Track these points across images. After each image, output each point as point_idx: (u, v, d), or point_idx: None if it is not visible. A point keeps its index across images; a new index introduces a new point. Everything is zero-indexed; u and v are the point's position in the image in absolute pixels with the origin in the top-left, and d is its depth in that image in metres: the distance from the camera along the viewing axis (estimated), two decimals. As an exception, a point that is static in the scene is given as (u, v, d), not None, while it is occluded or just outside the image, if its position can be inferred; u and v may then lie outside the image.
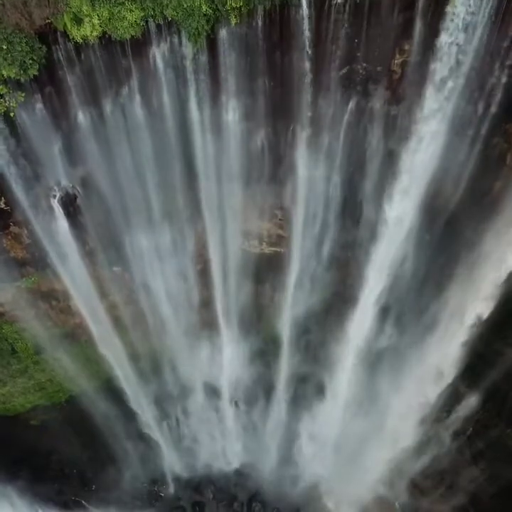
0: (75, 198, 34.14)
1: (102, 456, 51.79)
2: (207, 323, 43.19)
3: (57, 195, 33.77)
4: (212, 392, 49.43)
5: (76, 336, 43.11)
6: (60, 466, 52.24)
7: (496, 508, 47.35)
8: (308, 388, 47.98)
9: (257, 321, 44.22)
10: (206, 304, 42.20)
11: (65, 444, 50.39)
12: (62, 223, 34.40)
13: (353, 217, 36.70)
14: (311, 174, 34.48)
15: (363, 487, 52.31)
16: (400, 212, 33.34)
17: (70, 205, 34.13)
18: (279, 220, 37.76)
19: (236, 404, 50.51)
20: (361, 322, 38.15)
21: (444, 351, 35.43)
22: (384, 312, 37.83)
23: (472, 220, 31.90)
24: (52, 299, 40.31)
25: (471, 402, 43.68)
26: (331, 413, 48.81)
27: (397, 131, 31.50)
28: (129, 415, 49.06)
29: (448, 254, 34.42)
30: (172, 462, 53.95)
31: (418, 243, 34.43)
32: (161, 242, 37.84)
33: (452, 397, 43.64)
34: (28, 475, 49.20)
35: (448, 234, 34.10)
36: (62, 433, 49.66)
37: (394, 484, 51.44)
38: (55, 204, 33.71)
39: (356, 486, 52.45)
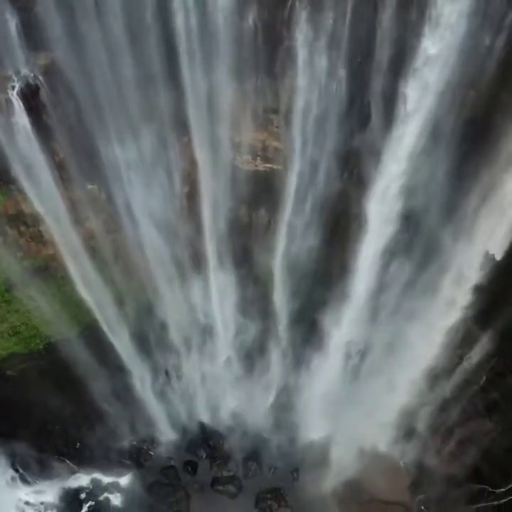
0: (38, 89, 26.86)
1: (86, 411, 44.98)
2: (196, 255, 35.91)
3: (16, 86, 26.96)
4: (204, 338, 42.16)
5: (51, 271, 36.31)
6: (41, 422, 45.12)
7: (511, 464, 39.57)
8: (307, 334, 40.78)
9: (252, 252, 36.98)
10: (195, 232, 34.95)
11: (46, 397, 43.31)
12: (23, 121, 27.66)
13: (360, 121, 29.39)
14: (313, 65, 27.41)
15: (366, 445, 45.05)
16: (417, 113, 25.95)
17: (31, 98, 26.94)
18: (276, 127, 30.80)
19: (229, 359, 43.11)
20: (373, 245, 30.91)
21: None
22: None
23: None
24: (21, 224, 33.59)
25: (486, 346, 36.39)
26: (332, 362, 41.63)
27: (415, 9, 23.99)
28: (114, 366, 42.03)
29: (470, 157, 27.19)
30: (162, 419, 46.76)
31: (439, 143, 27.08)
32: (142, 153, 30.73)
33: (464, 341, 36.27)
34: (6, 431, 43.11)
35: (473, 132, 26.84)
36: (42, 385, 42.69)
37: (399, 442, 44.29)
38: (14, 96, 26.50)
39: (359, 444, 45.21)
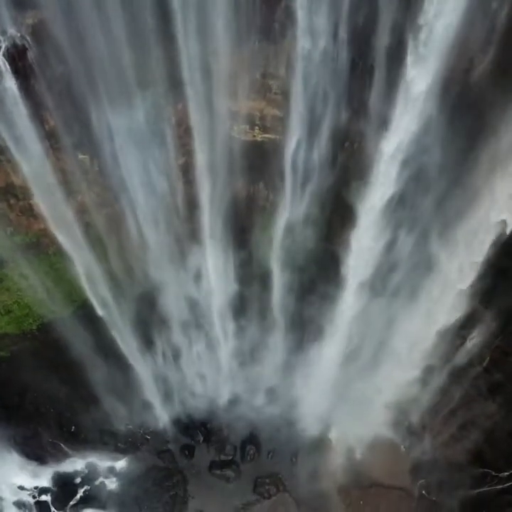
0: (25, 50, 25.19)
1: (81, 393, 43.62)
2: (193, 230, 34.36)
3: (2, 46, 25.11)
4: (200, 316, 40.64)
5: (42, 247, 34.77)
6: (35, 405, 43.97)
7: (515, 448, 38.68)
8: (308, 313, 39.17)
9: (250, 227, 35.40)
10: (191, 207, 33.40)
11: (40, 379, 42.10)
12: (10, 85, 25.75)
13: (362, 86, 27.76)
14: (312, 26, 25.66)
15: (366, 429, 43.87)
16: (422, 77, 24.21)
17: (18, 60, 25.30)
18: (274, 94, 29.18)
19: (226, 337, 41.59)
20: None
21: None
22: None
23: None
24: (11, 197, 32.07)
25: (490, 325, 35.21)
26: (333, 342, 40.14)
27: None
28: (110, 347, 40.27)
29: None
30: (159, 401, 45.23)
31: (447, 108, 25.50)
32: (135, 120, 29.02)
33: (468, 320, 34.79)
34: (-1, 414, 40.95)
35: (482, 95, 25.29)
36: (36, 367, 41.35)
37: (400, 425, 42.84)
38: (0, 57, 24.66)
39: (359, 427, 43.97)
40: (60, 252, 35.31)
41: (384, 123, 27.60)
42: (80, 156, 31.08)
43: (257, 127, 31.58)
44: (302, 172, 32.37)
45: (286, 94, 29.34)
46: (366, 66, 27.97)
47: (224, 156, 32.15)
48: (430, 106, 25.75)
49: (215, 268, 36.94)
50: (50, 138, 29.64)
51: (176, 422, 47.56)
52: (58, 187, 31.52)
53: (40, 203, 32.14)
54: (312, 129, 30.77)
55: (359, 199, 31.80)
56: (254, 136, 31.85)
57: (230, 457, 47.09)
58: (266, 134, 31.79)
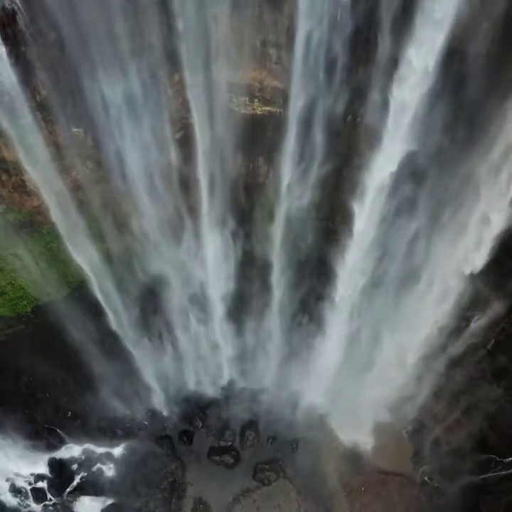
0: (15, 15, 23.86)
1: (77, 378, 42.66)
2: (190, 207, 33.08)
3: (-9, 9, 23.56)
4: (198, 299, 39.41)
5: (36, 225, 33.58)
6: (30, 390, 42.77)
7: (519, 433, 37.48)
8: (308, 294, 37.94)
9: (249, 204, 34.10)
10: (189, 183, 32.09)
11: (35, 363, 41.01)
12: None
13: (366, 53, 26.46)
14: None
15: (368, 414, 42.49)
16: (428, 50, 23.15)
17: (8, 25, 23.96)
18: (275, 63, 27.77)
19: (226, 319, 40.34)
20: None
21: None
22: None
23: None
24: (3, 173, 30.88)
25: (495, 307, 33.92)
26: (335, 326, 38.98)
27: None
28: (106, 330, 39.22)
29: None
30: (156, 386, 44.20)
31: (452, 79, 24.35)
32: (130, 91, 27.78)
33: (474, 302, 33.54)
34: (-6, 400, 40.00)
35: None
36: (31, 351, 40.27)
37: (402, 409, 41.78)
38: None
39: (361, 412, 42.64)
40: (54, 231, 34.03)
41: (387, 96, 26.33)
42: (74, 130, 29.84)
43: (256, 100, 30.33)
44: (303, 147, 31.04)
45: (286, 64, 27.90)
46: (370, 32, 26.54)
47: (223, 130, 30.89)
48: (433, 80, 24.47)
49: (213, 247, 35.63)
50: (42, 109, 28.43)
51: (175, 408, 46.19)
52: (51, 162, 30.18)
53: (33, 178, 30.72)
54: (313, 101, 29.43)
55: (362, 175, 30.57)
56: (254, 109, 30.59)
57: (230, 443, 46.01)
58: (266, 107, 30.56)
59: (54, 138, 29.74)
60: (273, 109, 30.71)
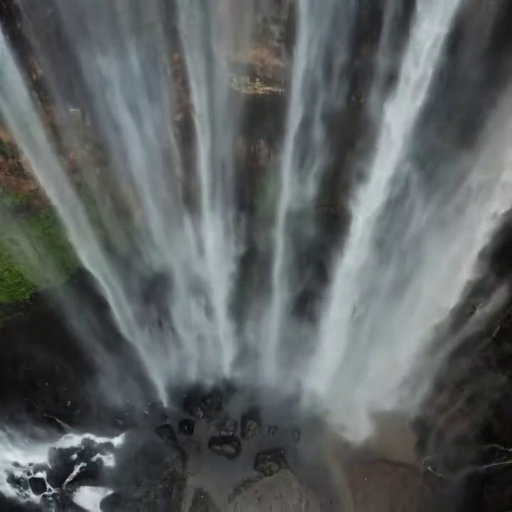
0: None
1: (77, 367, 41.94)
2: (191, 191, 32.30)
3: (-15, -17, 22.77)
4: (199, 286, 38.65)
5: (33, 209, 32.85)
6: (29, 378, 42.00)
7: (525, 423, 36.99)
8: (310, 284, 37.18)
9: (250, 188, 33.28)
10: (189, 166, 31.29)
11: (34, 352, 40.40)
12: (-7, 25, 23.34)
13: (371, 32, 25.62)
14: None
15: (370, 404, 41.89)
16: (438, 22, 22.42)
17: (2, 0, 23.11)
18: (276, 41, 26.92)
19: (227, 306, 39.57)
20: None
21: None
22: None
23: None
24: (-1, 154, 29.52)
25: (502, 294, 33.71)
26: (336, 316, 38.22)
27: None
28: (106, 317, 38.47)
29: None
30: (157, 375, 43.59)
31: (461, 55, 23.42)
32: (129, 71, 26.95)
33: (479, 289, 32.74)
34: (-9, 389, 39.40)
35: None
36: (30, 339, 39.59)
37: (405, 399, 41.02)
38: None
39: (363, 402, 41.97)
40: (51, 216, 33.30)
41: (393, 75, 25.48)
42: (71, 110, 29.09)
43: (258, 79, 29.52)
44: (305, 129, 30.22)
45: (289, 41, 27.07)
46: (375, 8, 25.68)
47: (223, 112, 30.08)
48: (440, 57, 23.60)
49: (214, 232, 34.88)
50: (38, 89, 27.69)
51: (175, 397, 45.53)
52: (48, 143, 29.38)
53: (30, 161, 29.95)
54: (316, 81, 28.61)
55: (366, 157, 29.78)
56: (255, 89, 29.79)
57: (231, 433, 45.51)
58: (267, 87, 29.76)
59: (51, 118, 28.99)
60: (274, 89, 29.92)
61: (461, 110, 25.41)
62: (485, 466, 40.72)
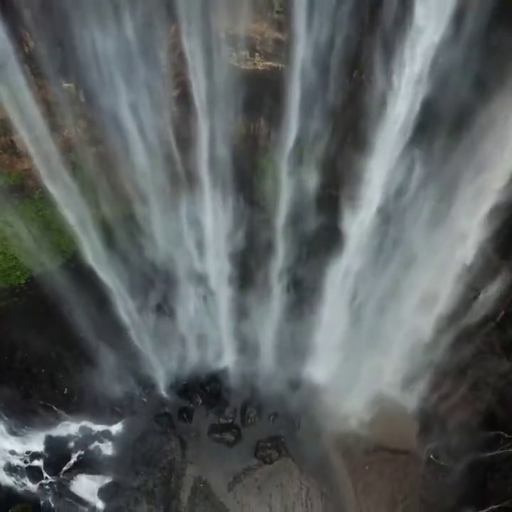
0: None
1: (74, 353, 41.25)
2: (189, 171, 31.26)
3: None
4: (198, 268, 37.68)
5: (27, 190, 31.97)
6: (25, 365, 41.16)
7: (530, 409, 36.28)
8: (312, 266, 36.21)
9: (250, 169, 32.26)
10: (187, 145, 30.25)
11: (30, 338, 39.62)
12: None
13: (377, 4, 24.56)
14: None
15: (371, 390, 41.02)
16: None
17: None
18: (277, 13, 25.79)
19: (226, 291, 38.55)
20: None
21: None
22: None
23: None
24: (-9, 132, 28.50)
25: (506, 277, 32.08)
26: (338, 297, 37.27)
27: None
28: (103, 302, 37.44)
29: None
30: (155, 362, 42.62)
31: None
32: (124, 44, 25.80)
33: (483, 272, 31.79)
34: (-14, 376, 38.62)
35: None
36: (25, 324, 38.75)
37: (407, 386, 40.31)
38: None
39: (364, 389, 41.15)
40: (46, 196, 32.34)
41: (398, 48, 24.40)
42: (65, 85, 28.03)
43: (257, 54, 28.45)
44: (307, 105, 29.17)
45: (289, 12, 25.97)
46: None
47: (222, 88, 29.00)
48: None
49: (213, 212, 33.88)
50: (31, 62, 26.67)
51: (174, 384, 44.87)
52: (41, 120, 28.38)
53: (23, 139, 28.94)
54: (318, 55, 27.53)
55: (371, 135, 28.76)
56: (255, 64, 28.73)
57: (230, 420, 44.67)
58: (267, 62, 28.69)
59: (44, 94, 28.00)
60: (274, 65, 28.85)
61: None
62: (489, 454, 39.91)
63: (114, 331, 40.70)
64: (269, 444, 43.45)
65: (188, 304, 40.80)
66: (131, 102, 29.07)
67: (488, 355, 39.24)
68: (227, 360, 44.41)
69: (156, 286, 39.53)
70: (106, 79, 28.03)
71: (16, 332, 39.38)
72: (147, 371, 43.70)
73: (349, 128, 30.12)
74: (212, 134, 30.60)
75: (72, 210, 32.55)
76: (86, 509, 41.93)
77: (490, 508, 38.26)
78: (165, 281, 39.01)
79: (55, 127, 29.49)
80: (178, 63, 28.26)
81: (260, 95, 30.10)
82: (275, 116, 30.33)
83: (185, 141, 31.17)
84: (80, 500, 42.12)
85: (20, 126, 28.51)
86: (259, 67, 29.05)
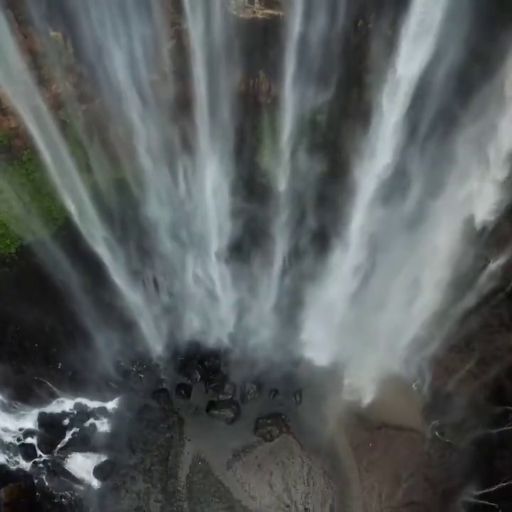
0: None
1: (68, 326, 39.49)
2: (185, 130, 29.31)
3: None
4: (195, 240, 35.82)
5: (15, 150, 30.13)
6: (17, 340, 39.51)
7: (538, 382, 34.58)
8: (313, 237, 34.37)
9: (250, 129, 30.31)
10: (182, 102, 28.28)
11: (22, 311, 37.71)
12: None
13: None
14: None
15: (375, 365, 39.57)
16: None
17: None
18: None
19: (225, 260, 36.60)
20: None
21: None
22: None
23: None
24: (-27, 86, 26.49)
25: (517, 245, 29.90)
26: (341, 270, 35.47)
27: None
28: (98, 273, 35.70)
29: None
30: (152, 336, 41.15)
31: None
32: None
33: (492, 241, 29.89)
34: (-21, 351, 36.90)
35: None
36: (17, 297, 36.95)
37: (412, 361, 38.63)
38: None
39: (367, 363, 39.55)
40: (35, 158, 30.42)
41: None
42: (52, 33, 25.90)
43: (257, 1, 26.36)
44: (308, 58, 27.18)
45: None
46: None
47: (220, 39, 26.98)
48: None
49: (211, 176, 31.97)
50: (13, 7, 24.39)
51: (172, 360, 43.18)
52: (27, 72, 26.31)
53: (8, 94, 26.94)
54: (320, 2, 25.50)
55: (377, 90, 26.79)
56: (255, 12, 26.79)
57: (229, 397, 43.30)
58: (267, 10, 26.76)
59: (29, 43, 26.03)
60: (275, 13, 26.88)
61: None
62: (496, 430, 38.44)
63: (109, 304, 38.90)
64: (269, 421, 42.18)
65: (185, 274, 38.97)
66: (123, 54, 26.96)
67: (497, 328, 37.75)
68: (227, 334, 42.46)
69: (152, 255, 37.55)
70: (95, 28, 25.91)
71: (8, 305, 37.62)
72: (144, 345, 41.89)
73: (354, 82, 28.01)
74: (209, 90, 28.59)
75: (62, 173, 30.54)
76: (81, 488, 40.65)
77: (498, 486, 36.82)
78: (161, 249, 37.01)
79: (42, 81, 27.42)
80: (173, 11, 26.22)
81: (260, 46, 28.14)
82: (275, 69, 28.27)
83: (181, 97, 29.14)
84: (74, 479, 40.60)
85: (4, 80, 26.40)
86: (259, 16, 27.09)
